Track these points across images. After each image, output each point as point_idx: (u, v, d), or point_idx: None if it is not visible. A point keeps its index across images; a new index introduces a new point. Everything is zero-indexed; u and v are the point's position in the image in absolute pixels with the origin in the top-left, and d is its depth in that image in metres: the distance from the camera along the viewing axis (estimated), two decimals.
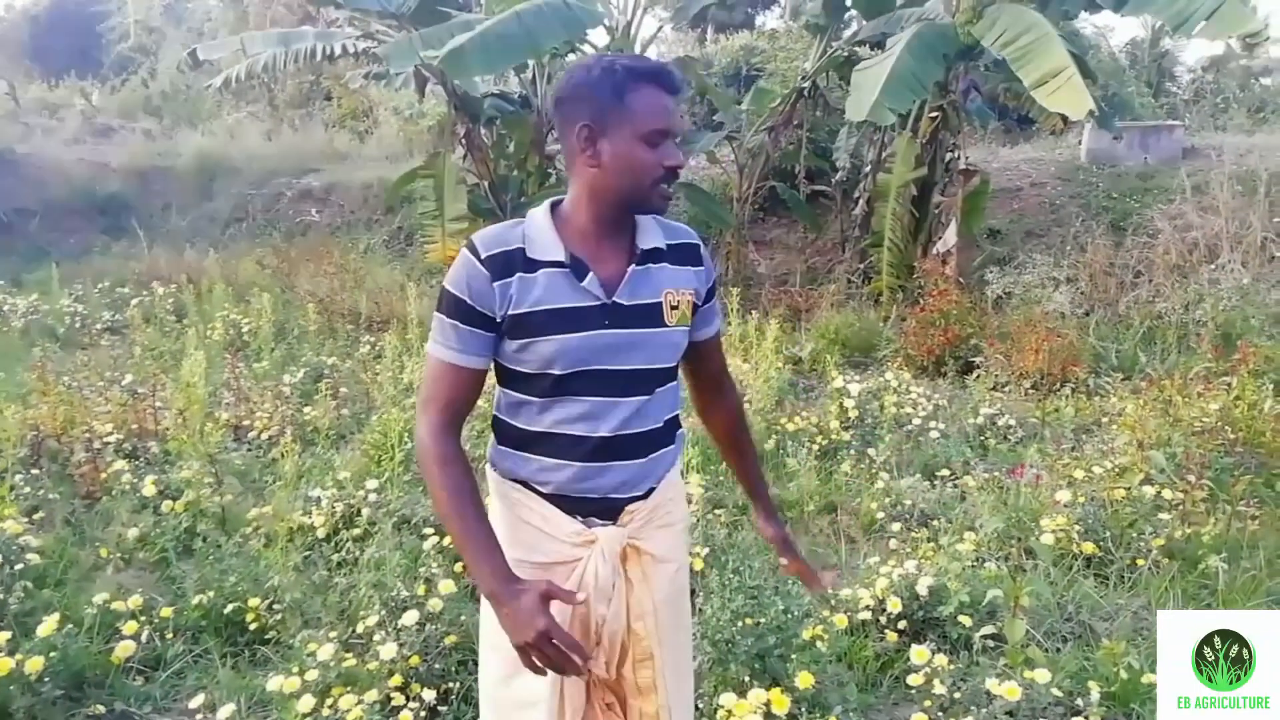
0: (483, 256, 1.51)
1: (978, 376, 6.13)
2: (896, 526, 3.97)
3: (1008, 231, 9.40)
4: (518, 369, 1.55)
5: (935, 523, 3.96)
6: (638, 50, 8.94)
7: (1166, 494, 3.87)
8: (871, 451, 4.94)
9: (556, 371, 1.52)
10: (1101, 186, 9.68)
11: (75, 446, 4.58)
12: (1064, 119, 9.07)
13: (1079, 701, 2.53)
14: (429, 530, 3.72)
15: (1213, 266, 7.45)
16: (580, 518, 1.58)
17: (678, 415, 1.71)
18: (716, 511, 4.23)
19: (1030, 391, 5.99)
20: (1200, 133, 12.04)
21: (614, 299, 1.53)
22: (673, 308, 1.58)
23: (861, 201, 9.09)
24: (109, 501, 4.07)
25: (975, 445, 5.16)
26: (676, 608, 1.70)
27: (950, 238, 8.02)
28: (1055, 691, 2.51)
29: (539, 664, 1.41)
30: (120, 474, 4.22)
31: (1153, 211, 8.60)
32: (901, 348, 7.02)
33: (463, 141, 9.33)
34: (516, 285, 1.50)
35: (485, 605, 1.65)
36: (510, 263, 1.51)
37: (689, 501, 4.05)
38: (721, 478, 4.73)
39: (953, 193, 8.15)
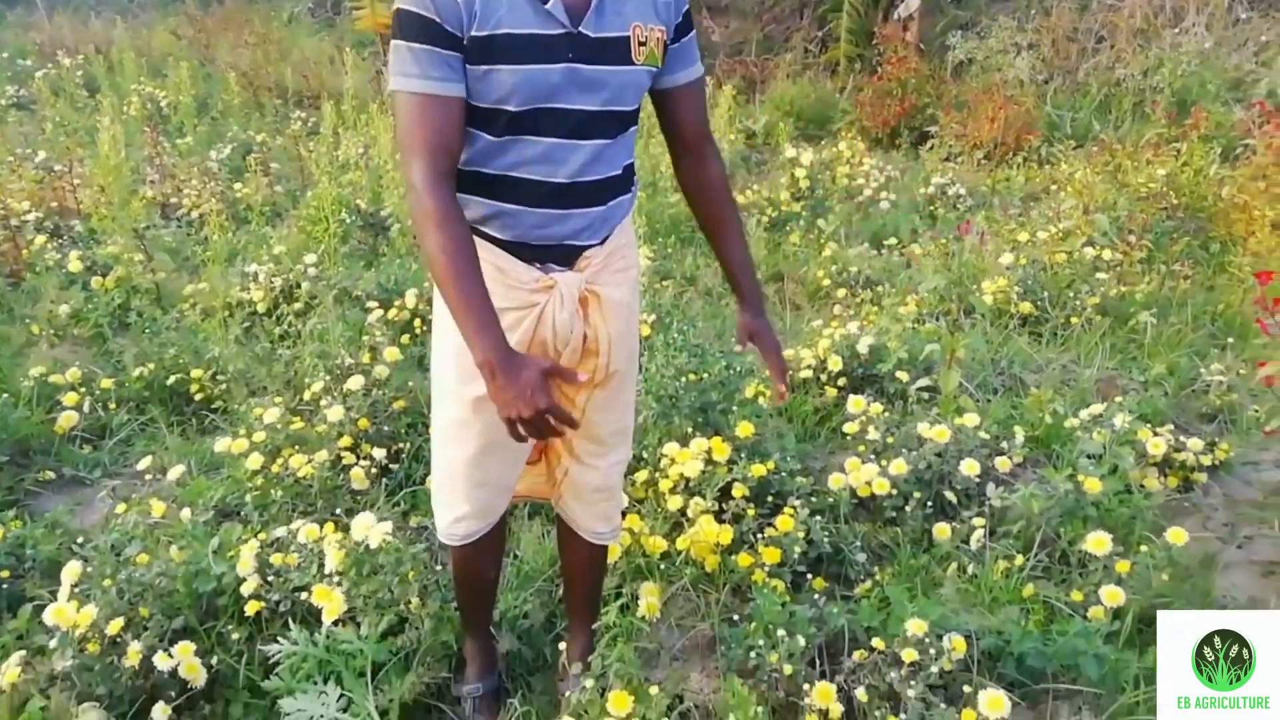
0: None
1: (931, 147, 6.04)
2: (841, 292, 4.02)
3: None
4: (474, 103, 1.41)
5: (880, 288, 4.00)
6: None
7: (1106, 255, 3.93)
8: (821, 222, 4.91)
9: (512, 108, 1.40)
10: None
11: None
12: None
13: (1004, 444, 2.66)
14: (372, 304, 3.67)
15: (1176, 30, 7.22)
16: (538, 264, 1.52)
17: (634, 162, 1.62)
18: (664, 283, 4.23)
19: (983, 161, 5.94)
20: None
21: (579, 29, 1.39)
22: (640, 44, 1.45)
23: None
24: (34, 279, 3.93)
25: (924, 215, 5.16)
26: (629, 348, 1.69)
27: (913, 2, 7.62)
28: (982, 435, 2.63)
29: (525, 435, 1.34)
30: (43, 251, 4.04)
31: None
32: (856, 118, 6.85)
33: None
34: (480, 2, 1.34)
35: (440, 354, 1.62)
36: None
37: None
38: (670, 250, 4.70)
39: None
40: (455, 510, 1.72)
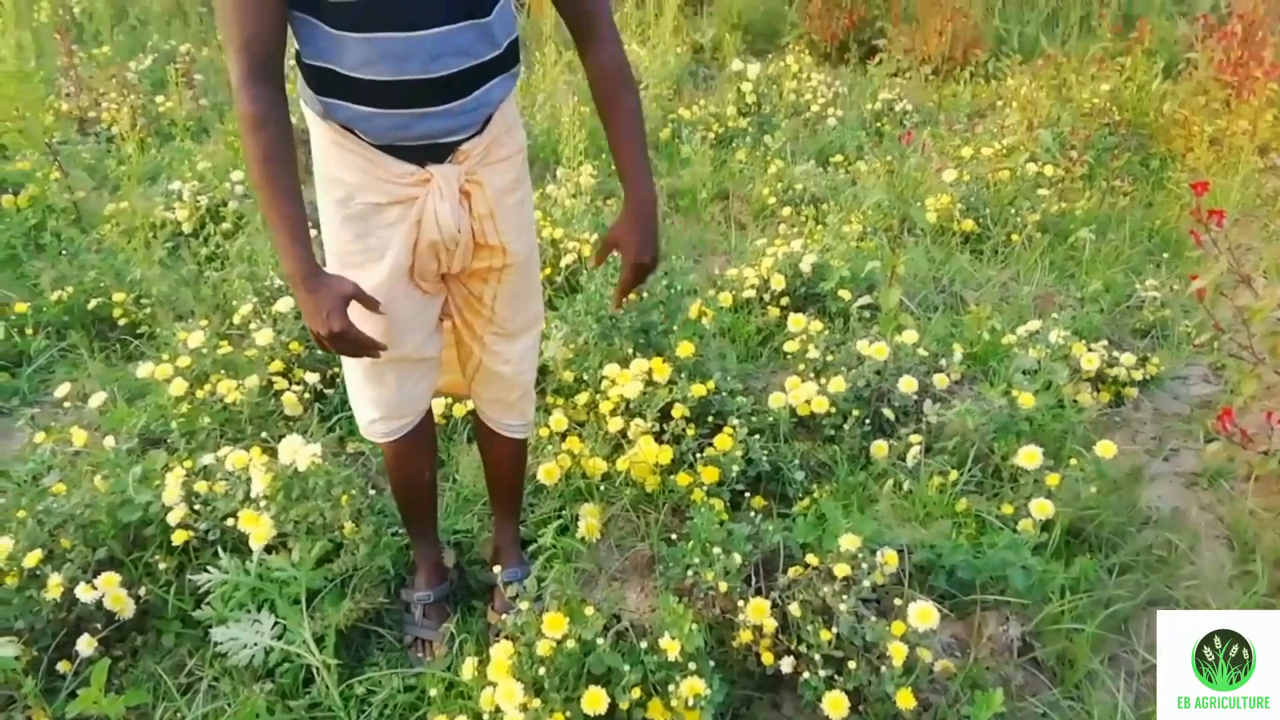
0: None
1: (880, 61, 5.94)
2: (787, 211, 3.97)
3: None
4: None
5: (824, 205, 3.97)
6: None
7: (1048, 171, 3.93)
8: (768, 139, 4.83)
9: None
10: None
11: None
12: None
13: (942, 361, 2.68)
14: None
15: None
16: (413, 161, 1.44)
17: (515, 38, 1.48)
18: (607, 201, 4.14)
19: (930, 77, 5.86)
20: None
21: None
22: None
23: None
24: None
25: (870, 131, 5.10)
26: (524, 235, 1.61)
27: None
28: (921, 352, 2.64)
29: (326, 349, 1.40)
30: None
31: None
32: (805, 32, 6.70)
33: None
34: None
35: (328, 259, 1.55)
36: None
37: (578, 191, 3.93)
38: (612, 168, 4.60)
39: None
40: (368, 412, 1.71)
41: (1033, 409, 2.35)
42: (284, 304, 2.73)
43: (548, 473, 2.19)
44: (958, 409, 2.34)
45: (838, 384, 2.46)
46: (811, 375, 2.61)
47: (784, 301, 3.13)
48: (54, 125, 4.28)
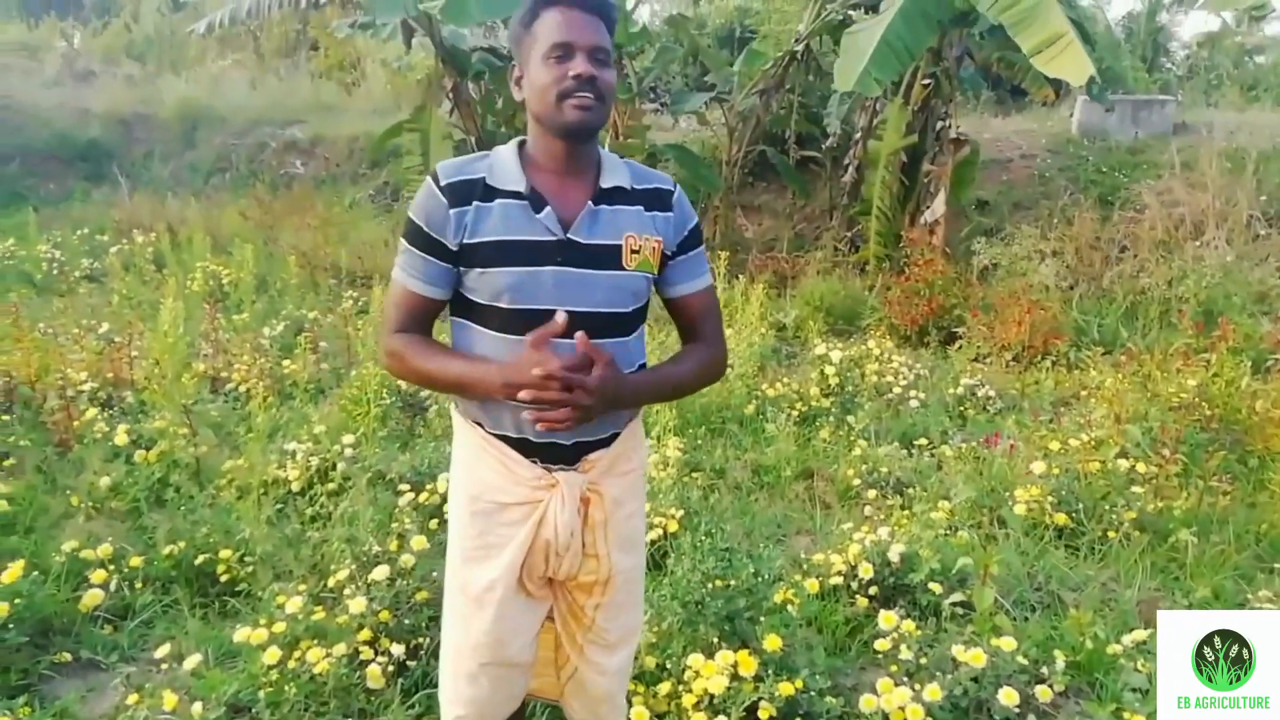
0: (443, 184, 1.51)
1: (960, 347, 6.13)
2: (872, 494, 3.99)
3: (996, 203, 9.36)
4: (470, 297, 1.55)
5: (910, 491, 3.97)
6: (629, 5, 8.78)
7: (1141, 468, 3.89)
8: (851, 419, 4.95)
9: (505, 305, 1.51)
10: (1091, 160, 9.65)
11: (49, 394, 4.53)
12: (1056, 91, 9.01)
13: (1044, 669, 2.56)
14: (404, 486, 3.71)
15: (1198, 243, 7.44)
16: (540, 462, 1.58)
17: (644, 364, 1.67)
18: (694, 475, 4.24)
19: (1011, 364, 6.00)
20: (1192, 109, 11.98)
21: (569, 235, 1.51)
22: (634, 252, 1.55)
23: (851, 169, 9.03)
24: (81, 450, 4.03)
25: (954, 415, 5.18)
26: (632, 551, 1.71)
27: (939, 207, 7.98)
28: (1020, 659, 2.53)
29: (555, 402, 1.43)
30: (93, 422, 4.17)
31: (1141, 186, 8.57)
32: (885, 316, 7.01)
33: (450, 95, 9.16)
34: (473, 214, 1.50)
35: (449, 552, 1.68)
36: (469, 191, 1.51)
37: (666, 464, 4.05)
38: (699, 441, 4.74)
39: (943, 162, 8.09)
40: (454, 710, 1.73)
41: None
42: (379, 572, 2.81)
43: None
44: None
45: (933, 691, 2.35)
46: (905, 678, 2.50)
47: (872, 591, 3.07)
48: (190, 384, 4.70)
